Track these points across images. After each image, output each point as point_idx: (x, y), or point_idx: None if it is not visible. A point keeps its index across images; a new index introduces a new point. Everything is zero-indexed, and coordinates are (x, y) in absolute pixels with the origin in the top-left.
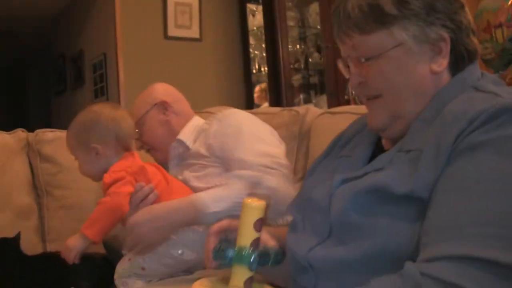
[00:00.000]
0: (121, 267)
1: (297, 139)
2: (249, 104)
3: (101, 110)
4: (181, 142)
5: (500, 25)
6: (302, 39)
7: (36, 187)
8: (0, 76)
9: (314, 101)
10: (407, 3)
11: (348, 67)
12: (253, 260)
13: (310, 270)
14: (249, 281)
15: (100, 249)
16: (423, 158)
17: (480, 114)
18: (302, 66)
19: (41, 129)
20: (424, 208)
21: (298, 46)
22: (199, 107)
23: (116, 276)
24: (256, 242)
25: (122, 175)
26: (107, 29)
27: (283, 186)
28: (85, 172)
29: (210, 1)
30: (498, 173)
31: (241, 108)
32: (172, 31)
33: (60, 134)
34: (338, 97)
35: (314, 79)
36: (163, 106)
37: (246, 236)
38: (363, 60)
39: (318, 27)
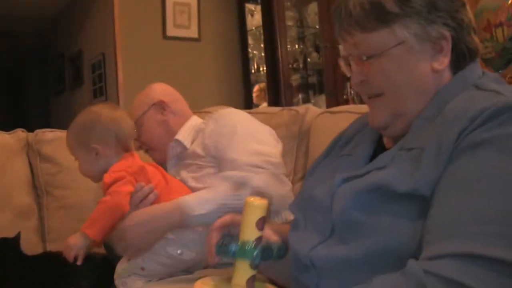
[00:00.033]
0: (121, 267)
1: (297, 139)
2: (248, 104)
3: (101, 110)
4: (178, 142)
5: (500, 24)
6: (301, 39)
7: (36, 187)
8: (1, 76)
9: (312, 101)
10: (409, 1)
11: (350, 65)
12: (256, 254)
13: (312, 269)
14: (251, 280)
15: (100, 249)
16: (425, 156)
17: (481, 112)
18: (301, 66)
19: (41, 129)
20: (426, 206)
21: (296, 46)
22: (198, 107)
23: (115, 276)
24: (258, 241)
25: (122, 174)
26: (106, 29)
27: (271, 185)
28: (85, 172)
29: (208, 1)
30: (500, 171)
31: (240, 108)
32: (171, 31)
33: (60, 134)
34: (336, 97)
35: (312, 79)
36: (161, 106)
37: (249, 234)
38: (364, 58)
39: (317, 27)
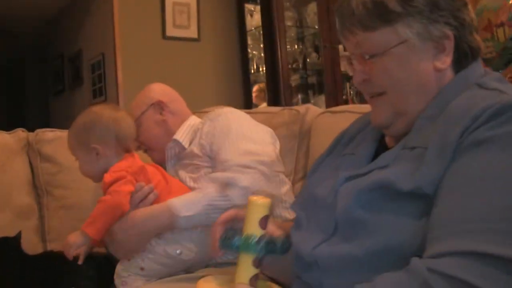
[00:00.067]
0: (121, 267)
1: (298, 138)
2: (247, 104)
3: (102, 111)
4: (177, 142)
5: (501, 24)
6: (300, 39)
7: (36, 187)
8: (1, 76)
9: (312, 101)
10: (411, 1)
11: (352, 64)
12: (260, 248)
13: (315, 267)
14: (254, 278)
15: (101, 249)
16: (428, 155)
17: (484, 110)
18: (300, 66)
19: (41, 128)
20: (429, 205)
21: (296, 46)
22: (197, 107)
23: (115, 276)
24: (262, 237)
25: (123, 174)
26: (105, 29)
27: (259, 185)
28: (86, 172)
29: (208, 1)
30: (503, 169)
31: (240, 108)
32: (170, 31)
33: (60, 134)
34: (336, 97)
35: (312, 79)
36: (160, 106)
37: (252, 231)
38: (367, 57)
39: (316, 27)
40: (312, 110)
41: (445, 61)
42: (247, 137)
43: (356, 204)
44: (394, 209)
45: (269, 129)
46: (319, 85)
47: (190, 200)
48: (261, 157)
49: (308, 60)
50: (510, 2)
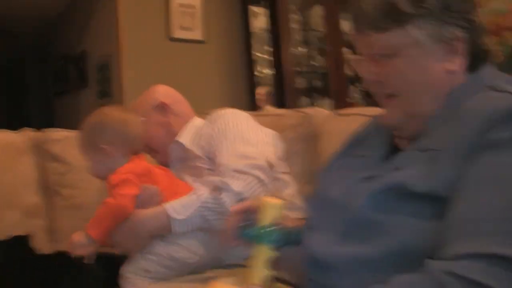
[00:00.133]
0: (126, 269)
1: (305, 141)
2: (252, 106)
3: (111, 112)
4: (179, 144)
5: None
6: (306, 42)
7: (44, 186)
8: (1, 76)
9: (317, 104)
10: (423, 2)
11: (363, 65)
12: (276, 237)
13: (329, 268)
14: (267, 280)
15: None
16: (442, 157)
17: (498, 113)
18: (305, 69)
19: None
20: (442, 207)
21: (301, 49)
22: (202, 109)
23: (121, 277)
24: (278, 229)
25: (128, 176)
26: (110, 31)
27: (252, 190)
28: (94, 172)
29: (213, 3)
30: None
31: (244, 110)
32: (176, 33)
33: (68, 133)
34: (341, 100)
35: (317, 82)
36: (163, 107)
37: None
38: (378, 58)
39: (322, 30)
40: (320, 113)
41: (457, 63)
42: (244, 140)
43: (370, 206)
44: (408, 211)
45: (271, 131)
46: (324, 88)
47: (183, 203)
48: (257, 161)
49: (313, 63)
50: None
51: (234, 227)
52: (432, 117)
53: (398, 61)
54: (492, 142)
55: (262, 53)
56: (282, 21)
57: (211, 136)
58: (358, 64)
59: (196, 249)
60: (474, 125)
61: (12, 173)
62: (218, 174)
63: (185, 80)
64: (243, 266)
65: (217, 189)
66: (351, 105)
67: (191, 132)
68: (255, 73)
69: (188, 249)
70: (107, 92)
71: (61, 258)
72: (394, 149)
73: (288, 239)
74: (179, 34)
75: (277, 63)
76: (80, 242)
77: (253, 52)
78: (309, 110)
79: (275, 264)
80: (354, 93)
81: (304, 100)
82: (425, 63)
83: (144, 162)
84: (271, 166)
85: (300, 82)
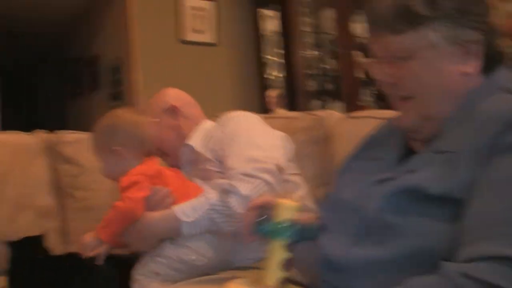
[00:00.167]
0: (136, 272)
1: (318, 143)
2: (263, 109)
3: (124, 114)
4: (189, 147)
5: None
6: (317, 45)
7: (57, 188)
8: (15, 78)
9: (328, 107)
10: (438, 4)
11: (378, 67)
12: (291, 232)
13: (344, 270)
14: (282, 281)
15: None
16: (457, 159)
17: None
18: (317, 72)
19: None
20: (459, 209)
21: (313, 52)
22: (213, 112)
23: (132, 280)
24: (294, 224)
25: (139, 178)
26: (123, 34)
27: (258, 193)
28: (107, 174)
29: (225, 6)
30: None
31: (256, 113)
32: (188, 36)
33: (81, 135)
34: (353, 103)
35: (329, 85)
36: (173, 110)
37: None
38: (393, 60)
39: (333, 33)
40: (333, 115)
41: (472, 65)
42: (254, 143)
43: (386, 208)
44: (424, 213)
45: (281, 133)
46: (336, 91)
47: (192, 205)
48: (266, 164)
49: (325, 66)
50: None
51: (250, 222)
52: (447, 119)
53: (413, 63)
54: (508, 145)
55: (273, 56)
56: (294, 24)
57: (221, 139)
58: (372, 66)
59: (204, 251)
60: (489, 128)
61: (25, 175)
62: (227, 177)
63: (196, 83)
64: (252, 268)
65: (225, 192)
66: (362, 108)
67: (202, 135)
68: (266, 76)
69: (196, 252)
70: (119, 95)
71: (72, 259)
72: (408, 152)
73: (303, 234)
74: (190, 36)
75: (288, 66)
76: (89, 243)
77: (264, 55)
78: (321, 113)
79: (288, 265)
80: (366, 96)
81: (315, 103)
82: (440, 65)
83: (155, 164)
84: (280, 169)
85: (311, 85)
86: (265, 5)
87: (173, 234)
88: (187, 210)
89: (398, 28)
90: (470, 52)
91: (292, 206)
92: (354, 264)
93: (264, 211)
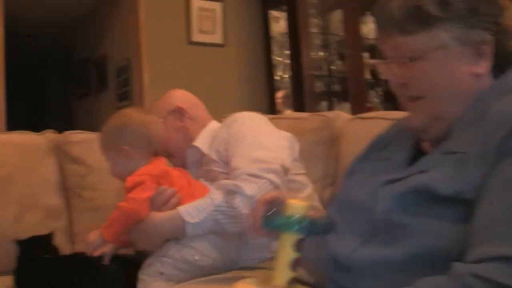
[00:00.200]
0: (142, 272)
1: (326, 144)
2: (272, 110)
3: (132, 114)
4: (196, 148)
5: None
6: (325, 46)
7: (65, 188)
8: (22, 78)
9: (336, 109)
10: (450, 5)
11: (388, 67)
12: (301, 226)
13: (353, 270)
14: (291, 281)
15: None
16: (468, 160)
17: None
18: (325, 73)
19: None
20: (468, 210)
21: (321, 53)
22: (221, 113)
23: (138, 280)
24: (304, 218)
25: (144, 179)
26: (131, 34)
27: (263, 194)
28: (114, 173)
29: (233, 7)
30: None
31: (264, 114)
32: (196, 37)
33: (89, 135)
34: (360, 104)
35: (336, 87)
36: (180, 112)
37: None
38: (404, 61)
39: (341, 34)
40: (341, 116)
41: (484, 66)
42: (259, 144)
43: (396, 208)
44: (434, 214)
45: (287, 133)
46: (344, 92)
47: (197, 206)
48: (271, 165)
49: (332, 67)
50: None
51: (260, 216)
52: (457, 119)
53: (424, 64)
54: None
55: (281, 57)
56: (302, 25)
57: (227, 140)
58: (382, 66)
59: (209, 252)
60: (500, 129)
61: (33, 175)
62: (232, 178)
63: (204, 84)
64: (257, 268)
65: (230, 192)
66: (370, 109)
67: (208, 136)
68: (275, 77)
69: (201, 252)
70: (127, 95)
71: (79, 259)
72: (418, 152)
73: (312, 228)
74: (199, 37)
75: (296, 67)
76: (94, 242)
77: (272, 56)
78: (330, 114)
79: (296, 264)
80: (373, 97)
81: (323, 104)
82: (451, 66)
83: (162, 164)
84: (285, 170)
85: (319, 86)
86: (274, 7)
87: (178, 234)
88: (192, 211)
89: (409, 29)
90: (482, 53)
91: (301, 204)
92: (361, 264)
93: (272, 205)
